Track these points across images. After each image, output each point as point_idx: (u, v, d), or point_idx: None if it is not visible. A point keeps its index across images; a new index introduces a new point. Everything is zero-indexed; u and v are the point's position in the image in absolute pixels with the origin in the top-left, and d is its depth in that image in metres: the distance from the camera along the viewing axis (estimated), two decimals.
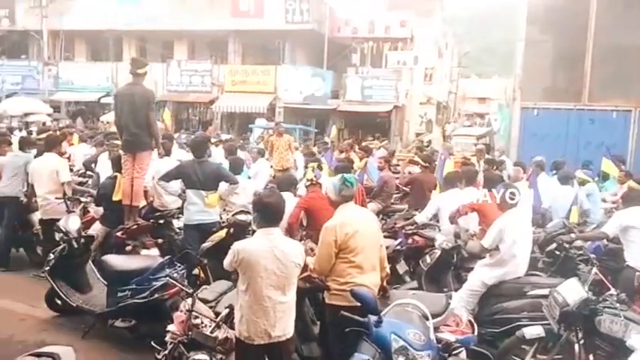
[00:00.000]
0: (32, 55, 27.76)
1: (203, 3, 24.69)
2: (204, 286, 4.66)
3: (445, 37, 37.20)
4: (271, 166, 10.87)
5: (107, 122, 22.51)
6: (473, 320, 4.23)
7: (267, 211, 3.50)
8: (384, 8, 26.77)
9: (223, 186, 6.02)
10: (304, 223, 5.64)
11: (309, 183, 5.96)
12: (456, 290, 4.95)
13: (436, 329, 3.72)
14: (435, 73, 33.16)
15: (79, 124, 22.29)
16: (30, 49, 28.03)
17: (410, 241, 6.44)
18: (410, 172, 10.83)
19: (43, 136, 8.00)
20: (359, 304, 3.47)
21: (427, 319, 3.66)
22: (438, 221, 6.49)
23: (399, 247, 6.22)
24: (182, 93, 24.82)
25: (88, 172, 8.97)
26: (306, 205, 5.56)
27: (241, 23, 24.27)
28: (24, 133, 12.96)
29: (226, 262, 3.51)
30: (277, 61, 24.91)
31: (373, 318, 3.42)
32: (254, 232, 6.46)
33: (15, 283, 6.63)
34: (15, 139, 8.73)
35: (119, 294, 4.82)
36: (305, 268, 3.79)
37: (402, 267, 6.23)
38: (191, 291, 3.88)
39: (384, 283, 4.21)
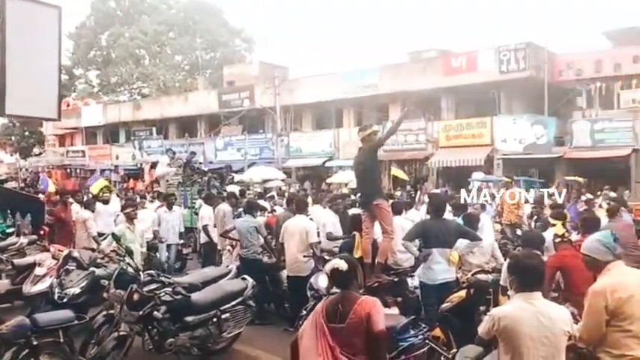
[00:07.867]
0: (267, 129, 31.63)
1: (416, 68, 25.78)
2: (454, 350, 4.53)
3: None
4: (499, 222, 10.44)
5: (331, 184, 24.37)
6: None
7: (528, 274, 3.26)
8: (611, 45, 24.34)
9: (461, 243, 5.91)
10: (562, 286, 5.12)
11: (559, 240, 5.45)
12: None
13: None
14: None
15: (307, 186, 24.43)
16: (266, 124, 32.04)
17: None
18: None
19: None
20: None
21: None
22: None
23: None
24: (397, 152, 25.61)
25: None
26: (560, 264, 4.97)
27: (454, 80, 24.44)
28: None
29: (483, 329, 3.35)
30: (492, 113, 24.25)
31: None
32: (493, 293, 6.20)
33: (268, 336, 7.23)
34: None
35: None
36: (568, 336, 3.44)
37: None
38: (450, 356, 3.80)
39: None
